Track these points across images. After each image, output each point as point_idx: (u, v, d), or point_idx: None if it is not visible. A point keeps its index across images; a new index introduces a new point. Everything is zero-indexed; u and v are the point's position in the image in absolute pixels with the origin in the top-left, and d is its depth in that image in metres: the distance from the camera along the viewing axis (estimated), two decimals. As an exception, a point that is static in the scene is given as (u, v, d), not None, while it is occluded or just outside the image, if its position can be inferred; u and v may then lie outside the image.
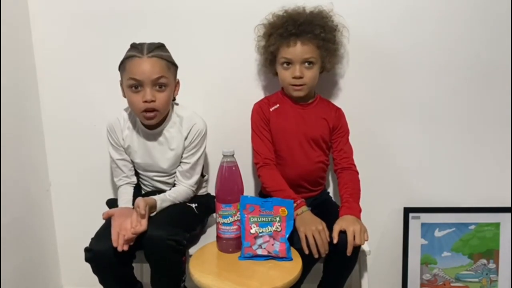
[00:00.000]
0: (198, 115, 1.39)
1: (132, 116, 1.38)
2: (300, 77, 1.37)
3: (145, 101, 1.25)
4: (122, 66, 1.30)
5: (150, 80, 1.25)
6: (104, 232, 1.21)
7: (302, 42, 1.36)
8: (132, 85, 1.26)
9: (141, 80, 1.25)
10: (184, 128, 1.36)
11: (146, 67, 1.24)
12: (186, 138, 1.36)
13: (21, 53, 1.55)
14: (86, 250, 1.19)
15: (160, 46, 1.31)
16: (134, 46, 1.30)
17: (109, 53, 1.57)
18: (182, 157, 1.38)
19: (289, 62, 1.38)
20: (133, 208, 1.24)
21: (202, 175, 1.51)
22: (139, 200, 1.22)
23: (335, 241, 1.21)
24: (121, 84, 1.34)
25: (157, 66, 1.26)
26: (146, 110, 1.27)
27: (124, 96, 1.33)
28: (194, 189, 1.41)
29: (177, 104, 1.42)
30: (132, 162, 1.41)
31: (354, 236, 1.21)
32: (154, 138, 1.37)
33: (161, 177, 1.42)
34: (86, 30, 1.57)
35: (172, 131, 1.37)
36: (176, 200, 1.35)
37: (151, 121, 1.31)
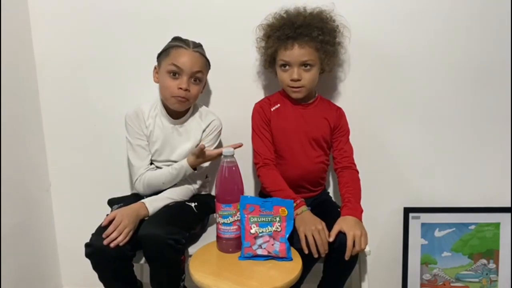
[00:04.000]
0: (214, 113, 1.47)
1: (156, 106, 1.43)
2: (298, 80, 1.37)
3: (180, 88, 1.34)
4: (165, 53, 1.38)
5: (190, 72, 1.35)
6: (105, 228, 1.21)
7: (300, 45, 1.36)
8: (172, 71, 1.35)
9: (182, 69, 1.34)
10: (203, 122, 1.45)
11: (190, 59, 1.35)
12: (204, 131, 1.44)
13: (21, 53, 1.55)
14: (86, 245, 1.19)
15: (201, 46, 1.41)
16: (179, 39, 1.40)
17: (109, 53, 1.59)
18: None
19: (287, 65, 1.38)
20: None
21: (205, 176, 1.52)
22: (118, 215, 1.22)
23: (330, 239, 1.21)
24: (155, 70, 1.42)
25: (199, 61, 1.37)
26: (179, 96, 1.34)
27: (155, 81, 1.42)
28: (196, 183, 1.42)
29: None
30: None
31: (354, 241, 1.20)
32: (175, 128, 1.42)
33: None
34: (86, 30, 1.57)
35: (192, 124, 1.44)
36: (172, 196, 1.35)
37: (180, 106, 1.38)
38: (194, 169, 1.38)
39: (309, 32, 1.35)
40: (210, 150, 1.37)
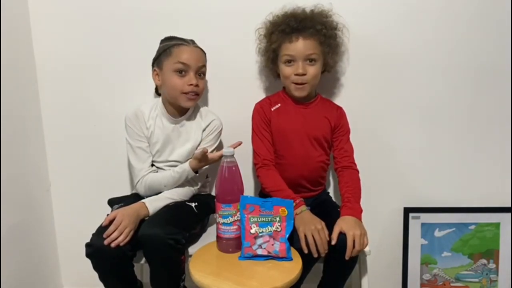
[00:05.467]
0: (215, 113, 1.47)
1: (156, 107, 1.43)
2: (303, 74, 1.37)
3: (191, 84, 1.35)
4: (165, 53, 1.37)
5: (196, 67, 1.37)
6: (105, 228, 1.21)
7: (304, 37, 1.36)
8: (178, 69, 1.36)
9: (189, 65, 1.35)
10: (203, 121, 1.45)
11: (194, 54, 1.37)
12: (204, 130, 1.44)
13: (21, 53, 1.55)
14: (87, 245, 1.20)
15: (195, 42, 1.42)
16: (174, 38, 1.40)
17: (109, 53, 1.59)
18: (197, 149, 1.42)
19: (291, 60, 1.38)
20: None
21: (206, 176, 1.51)
22: (118, 215, 1.22)
23: (333, 242, 1.21)
24: (155, 72, 1.41)
25: (201, 56, 1.40)
26: (191, 92, 1.36)
27: (157, 83, 1.42)
28: (197, 183, 1.42)
29: None
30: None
31: (354, 241, 1.20)
32: (175, 128, 1.42)
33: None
34: (86, 30, 1.57)
35: (193, 124, 1.44)
36: (173, 196, 1.36)
37: (192, 103, 1.39)
38: (196, 172, 1.38)
39: (313, 25, 1.36)
40: (212, 153, 1.36)
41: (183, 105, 1.38)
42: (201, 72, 1.39)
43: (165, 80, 1.38)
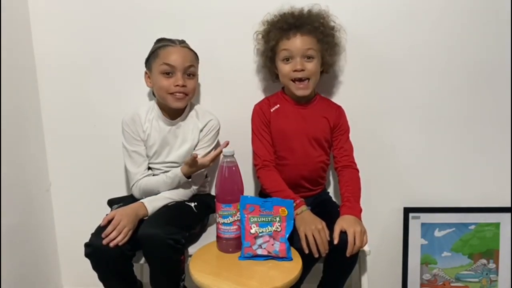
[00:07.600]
0: (212, 113, 1.45)
1: (152, 109, 1.43)
2: (302, 70, 1.37)
3: (177, 85, 1.34)
4: (153, 55, 1.38)
5: (182, 67, 1.35)
6: (104, 227, 1.21)
7: (302, 33, 1.36)
8: (164, 71, 1.35)
9: (175, 66, 1.34)
10: (200, 122, 1.44)
11: (180, 55, 1.35)
12: (201, 131, 1.43)
13: (21, 53, 1.55)
14: (86, 245, 1.20)
15: (185, 41, 1.41)
16: (163, 39, 1.40)
17: (109, 53, 1.59)
18: (194, 149, 1.42)
19: (289, 57, 1.38)
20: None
21: (205, 176, 1.51)
22: (117, 215, 1.22)
23: (335, 241, 1.21)
24: (147, 75, 1.42)
25: (189, 56, 1.38)
26: (177, 92, 1.35)
27: (149, 86, 1.43)
28: (196, 183, 1.42)
29: None
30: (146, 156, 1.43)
31: (354, 238, 1.20)
32: (172, 129, 1.41)
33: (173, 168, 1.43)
34: (86, 31, 1.57)
35: (189, 124, 1.43)
36: (172, 196, 1.36)
37: (180, 103, 1.37)
38: (189, 177, 1.37)
39: (311, 22, 1.37)
40: (203, 158, 1.34)
41: (171, 106, 1.37)
42: (189, 72, 1.37)
43: (154, 82, 1.38)
